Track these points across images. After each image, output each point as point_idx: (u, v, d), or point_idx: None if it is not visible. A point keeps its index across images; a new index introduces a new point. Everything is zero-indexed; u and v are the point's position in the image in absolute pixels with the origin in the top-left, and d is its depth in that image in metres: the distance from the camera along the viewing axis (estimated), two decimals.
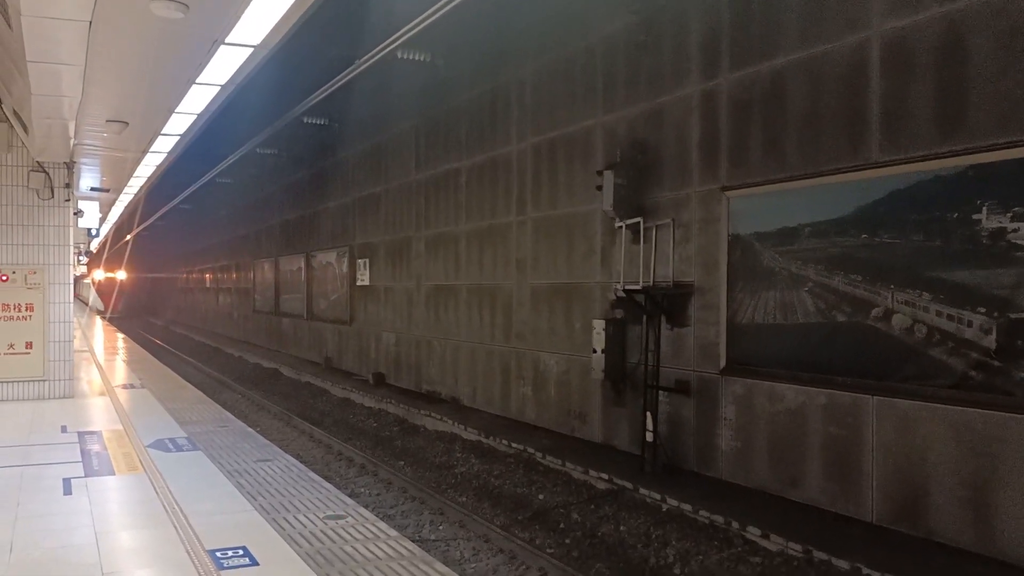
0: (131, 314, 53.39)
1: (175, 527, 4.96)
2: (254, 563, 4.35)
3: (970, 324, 6.39)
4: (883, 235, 7.07)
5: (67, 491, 5.84)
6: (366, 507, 6.42)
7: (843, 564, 6.29)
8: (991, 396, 6.22)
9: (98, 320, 36.69)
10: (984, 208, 6.30)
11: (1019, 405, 6.04)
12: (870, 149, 7.15)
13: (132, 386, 12.03)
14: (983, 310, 6.29)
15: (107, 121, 7.72)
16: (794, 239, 7.90)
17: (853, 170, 7.29)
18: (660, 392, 9.19)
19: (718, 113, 8.71)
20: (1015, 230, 6.09)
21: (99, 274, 51.55)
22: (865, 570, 6.12)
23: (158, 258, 51.65)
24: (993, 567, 6.04)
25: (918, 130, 6.76)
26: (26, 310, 9.89)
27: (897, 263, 6.94)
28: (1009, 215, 6.12)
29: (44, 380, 10.04)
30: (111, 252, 43.54)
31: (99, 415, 9.23)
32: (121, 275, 51.52)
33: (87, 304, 53.31)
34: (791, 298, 7.91)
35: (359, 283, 19.08)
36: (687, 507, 7.83)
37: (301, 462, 7.38)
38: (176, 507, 5.39)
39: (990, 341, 6.25)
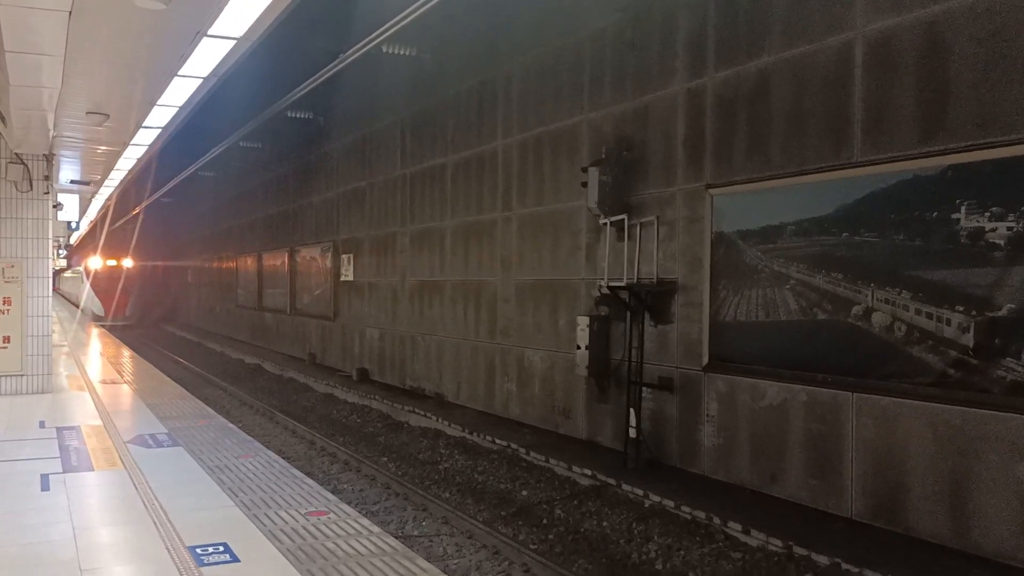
0: (145, 319, 39.03)
1: (155, 523, 4.92)
2: (235, 559, 4.32)
3: (949, 322, 6.44)
4: (864, 234, 7.12)
5: (45, 487, 5.78)
6: (349, 503, 6.41)
7: (823, 560, 6.34)
8: (969, 394, 6.28)
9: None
10: (963, 208, 6.35)
11: (996, 402, 6.10)
12: (852, 148, 7.19)
13: (112, 381, 11.93)
14: (961, 308, 6.34)
15: (87, 113, 7.64)
16: (777, 237, 7.94)
17: (835, 169, 7.33)
18: (643, 389, 9.22)
19: (703, 111, 8.73)
20: (993, 229, 6.15)
21: (96, 262, 37.17)
22: (844, 565, 6.17)
23: (183, 237, 38.21)
24: (970, 562, 6.11)
25: (899, 130, 6.81)
26: (3, 304, 9.78)
27: (878, 262, 6.99)
28: (987, 215, 6.18)
29: (22, 375, 9.93)
30: (113, 231, 32.05)
31: (78, 410, 9.15)
32: (127, 263, 38.30)
33: (78, 307, 38.88)
34: (773, 296, 7.95)
35: (343, 278, 19.01)
36: (669, 503, 7.86)
37: (283, 458, 7.35)
38: (156, 503, 5.35)
39: (968, 339, 6.31)
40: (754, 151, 8.16)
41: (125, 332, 30.42)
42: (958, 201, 6.38)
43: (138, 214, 28.92)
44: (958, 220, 6.38)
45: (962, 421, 6.32)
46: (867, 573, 6.02)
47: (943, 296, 6.48)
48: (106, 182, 13.70)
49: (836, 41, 7.34)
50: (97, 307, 37.87)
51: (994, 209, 6.14)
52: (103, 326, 29.72)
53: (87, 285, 39.15)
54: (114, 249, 37.08)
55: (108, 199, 12.15)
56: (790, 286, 7.78)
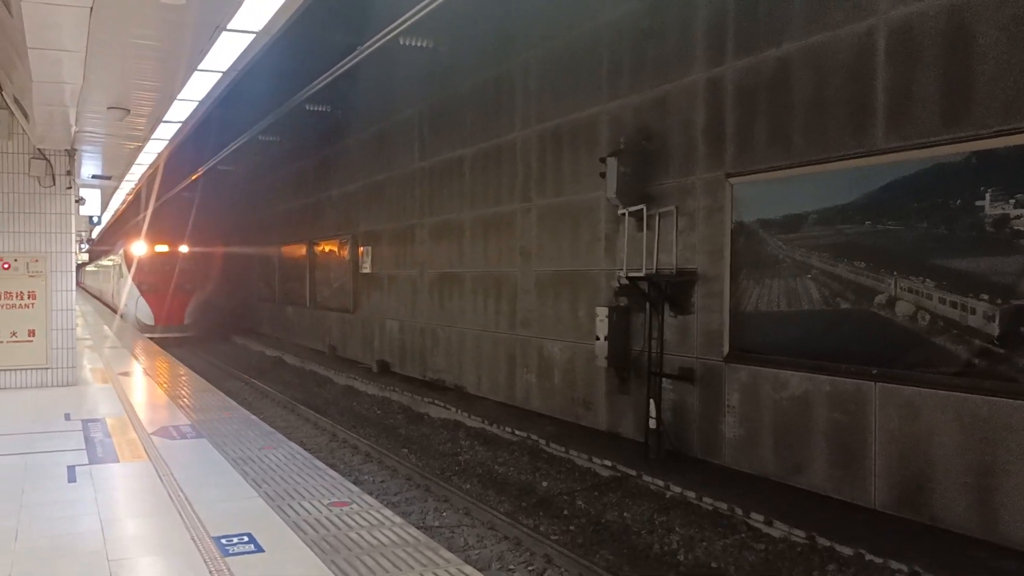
0: (211, 327, 27.91)
1: (180, 514, 4.97)
2: (259, 550, 4.35)
3: (973, 311, 6.37)
4: (887, 222, 7.04)
5: (71, 479, 5.85)
6: (371, 494, 6.43)
7: (846, 551, 6.30)
8: (994, 383, 6.21)
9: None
10: (987, 195, 6.27)
11: (1022, 391, 6.03)
12: (875, 136, 7.11)
13: (135, 374, 12.05)
14: (986, 297, 6.26)
15: (108, 108, 7.68)
16: (798, 226, 7.87)
17: (858, 157, 7.26)
18: (664, 380, 9.19)
19: (723, 100, 8.66)
20: (1018, 216, 6.06)
21: (140, 248, 26.63)
22: (868, 556, 6.13)
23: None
24: (997, 553, 6.04)
25: (923, 117, 6.72)
26: (28, 298, 9.89)
27: (901, 250, 6.91)
28: (1012, 201, 6.09)
29: (47, 368, 10.05)
30: (164, 201, 23.79)
31: (102, 403, 9.24)
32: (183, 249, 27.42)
33: (116, 312, 28.45)
34: (795, 285, 7.88)
35: (363, 271, 19.08)
36: (691, 494, 7.84)
37: (305, 450, 7.39)
38: (181, 494, 5.40)
39: (993, 328, 6.23)
40: (775, 139, 8.08)
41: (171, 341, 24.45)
42: (983, 188, 6.30)
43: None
44: (983, 207, 6.29)
45: (988, 411, 6.24)
46: (891, 564, 5.97)
47: (968, 284, 6.40)
48: (127, 176, 13.80)
49: (858, 28, 7.25)
50: (144, 312, 26.49)
51: (1019, 196, 6.05)
52: (152, 338, 21.04)
53: (129, 280, 27.17)
54: (166, 230, 27.07)
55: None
56: (812, 275, 7.71)
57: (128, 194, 17.06)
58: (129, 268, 27.24)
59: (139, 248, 26.72)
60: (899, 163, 6.93)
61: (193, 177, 21.30)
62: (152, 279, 26.99)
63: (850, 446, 7.30)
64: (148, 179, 14.35)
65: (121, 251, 28.49)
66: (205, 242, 28.36)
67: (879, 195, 7.14)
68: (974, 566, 5.87)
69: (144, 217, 24.46)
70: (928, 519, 6.65)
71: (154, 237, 26.68)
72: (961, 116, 6.45)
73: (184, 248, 27.51)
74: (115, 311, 28.66)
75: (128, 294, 27.13)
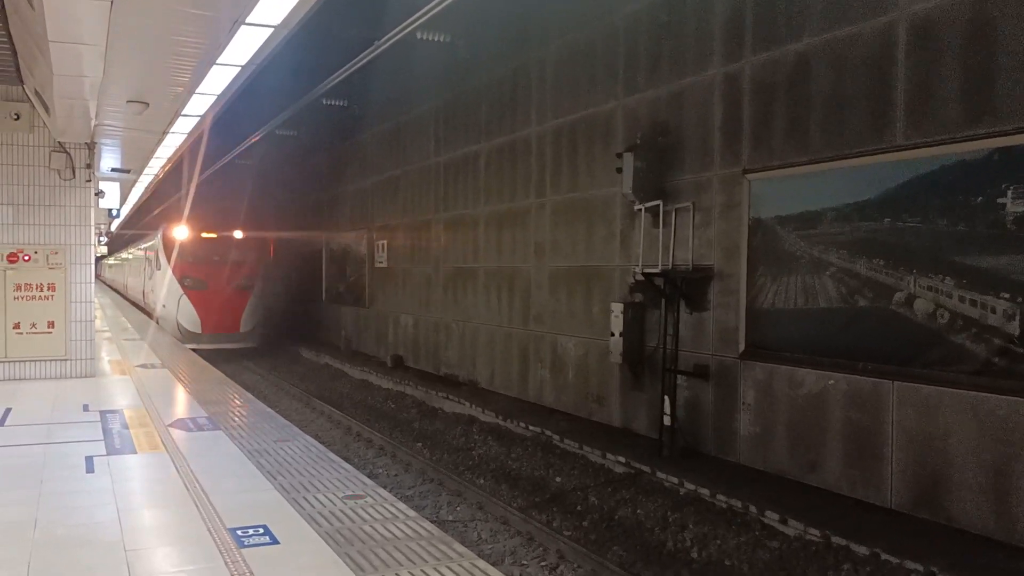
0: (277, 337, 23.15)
1: (196, 505, 5.01)
2: (274, 542, 4.38)
3: (994, 310, 6.30)
4: (906, 219, 6.98)
5: (89, 469, 5.90)
6: (385, 488, 6.45)
7: (862, 550, 6.26)
8: (1014, 382, 6.14)
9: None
10: (1009, 192, 6.20)
11: None
12: (895, 132, 7.04)
13: (152, 366, 12.14)
14: (1007, 296, 6.19)
15: (128, 102, 7.74)
16: (816, 223, 7.81)
17: (877, 153, 7.19)
18: (678, 376, 9.16)
19: (741, 95, 8.61)
20: None
21: (182, 232, 21.17)
22: (884, 556, 6.09)
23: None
24: (1015, 554, 5.99)
25: (944, 113, 6.65)
26: (48, 290, 9.98)
27: (920, 248, 6.85)
28: None
29: (66, 359, 10.15)
30: (216, 172, 20.12)
31: (120, 394, 9.33)
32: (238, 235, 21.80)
33: (152, 316, 22.28)
34: (812, 282, 7.83)
35: (377, 265, 19.12)
36: (705, 491, 7.82)
37: (320, 443, 7.42)
38: (197, 486, 5.44)
39: (1014, 327, 6.16)
40: (793, 135, 8.03)
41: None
42: (1004, 185, 6.22)
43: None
44: (1004, 205, 6.23)
45: (1008, 410, 6.18)
46: (907, 564, 5.94)
47: (988, 283, 6.33)
48: (146, 170, 13.89)
49: (878, 22, 7.18)
50: (188, 316, 20.40)
51: None
52: (197, 350, 16.25)
53: (168, 273, 21.12)
54: (218, 211, 22.09)
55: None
56: (830, 273, 7.66)
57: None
58: (170, 259, 21.17)
59: (181, 232, 21.20)
60: (919, 159, 6.86)
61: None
62: (199, 272, 21.01)
63: (866, 445, 7.25)
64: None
65: (159, 235, 22.32)
66: (267, 225, 23.04)
67: (898, 192, 7.08)
68: (991, 567, 5.82)
69: (187, 193, 19.90)
70: (945, 519, 6.59)
71: (201, 220, 21.50)
72: (983, 112, 6.37)
73: (239, 233, 21.92)
74: (149, 315, 22.82)
75: (167, 292, 21.11)
